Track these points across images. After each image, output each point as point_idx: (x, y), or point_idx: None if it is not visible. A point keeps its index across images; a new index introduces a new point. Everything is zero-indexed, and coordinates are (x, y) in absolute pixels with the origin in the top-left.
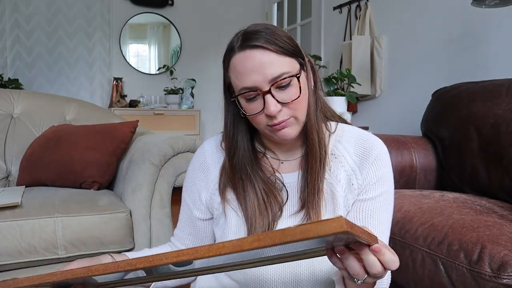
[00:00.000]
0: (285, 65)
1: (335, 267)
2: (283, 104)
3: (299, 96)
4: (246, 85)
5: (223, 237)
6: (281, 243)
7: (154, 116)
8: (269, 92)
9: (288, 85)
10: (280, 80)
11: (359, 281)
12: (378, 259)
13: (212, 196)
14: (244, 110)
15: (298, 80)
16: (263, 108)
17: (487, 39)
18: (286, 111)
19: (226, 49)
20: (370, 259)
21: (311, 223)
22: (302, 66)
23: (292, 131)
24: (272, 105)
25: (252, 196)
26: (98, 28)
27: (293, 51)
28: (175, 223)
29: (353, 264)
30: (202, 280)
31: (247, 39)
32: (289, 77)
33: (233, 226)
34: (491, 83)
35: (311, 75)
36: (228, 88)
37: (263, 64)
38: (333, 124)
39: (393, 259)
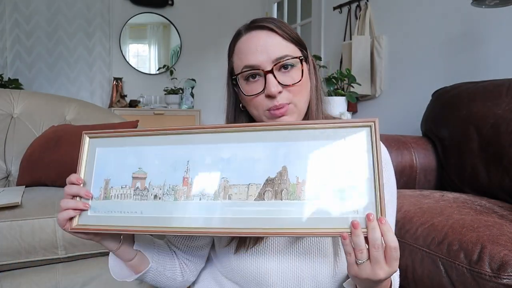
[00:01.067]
0: (290, 49)
1: (336, 271)
2: (284, 86)
3: (300, 80)
4: (249, 63)
5: (220, 242)
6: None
7: (154, 116)
8: (271, 72)
9: (291, 67)
10: (284, 61)
11: (359, 261)
12: (380, 229)
13: None
14: (244, 93)
15: (301, 63)
16: (263, 89)
17: (487, 39)
18: (286, 95)
19: (233, 36)
20: (372, 224)
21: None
22: (306, 58)
23: (290, 119)
24: (273, 85)
25: None
26: (98, 28)
27: (298, 41)
28: None
29: (360, 241)
30: (201, 283)
31: (255, 22)
32: (292, 58)
33: None
34: (491, 83)
35: (314, 75)
36: (231, 74)
37: (269, 45)
38: None
39: (390, 231)
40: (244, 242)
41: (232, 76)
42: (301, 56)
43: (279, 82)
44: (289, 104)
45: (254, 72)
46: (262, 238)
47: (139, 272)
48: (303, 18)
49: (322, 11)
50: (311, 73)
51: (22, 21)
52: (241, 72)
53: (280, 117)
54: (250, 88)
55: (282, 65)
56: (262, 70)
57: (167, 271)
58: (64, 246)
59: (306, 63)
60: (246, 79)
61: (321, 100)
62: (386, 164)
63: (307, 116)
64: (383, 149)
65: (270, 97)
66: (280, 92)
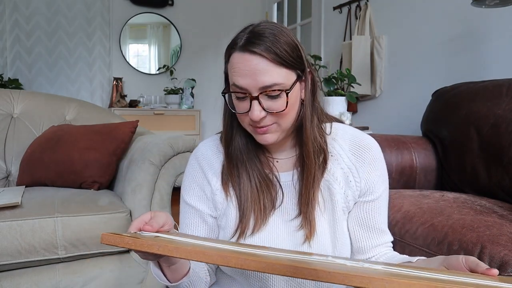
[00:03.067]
0: (280, 76)
1: None
2: (268, 112)
3: (284, 110)
4: (238, 83)
5: (224, 237)
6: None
7: (154, 116)
8: (256, 98)
9: (277, 96)
10: (270, 90)
11: None
12: None
13: (214, 196)
14: (232, 105)
15: (287, 96)
16: (249, 110)
17: (487, 39)
18: (270, 118)
19: (230, 41)
20: None
21: None
22: (300, 77)
23: (272, 137)
24: (256, 111)
25: (247, 182)
26: (98, 28)
27: (292, 62)
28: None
29: None
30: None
31: (250, 42)
32: (279, 90)
33: (232, 223)
34: (491, 83)
35: (310, 87)
36: (226, 78)
37: (257, 71)
38: (327, 125)
39: None
40: (243, 232)
41: (224, 87)
42: (288, 90)
43: (263, 108)
44: (272, 124)
45: (241, 95)
46: (260, 226)
47: (178, 276)
48: (303, 18)
49: (322, 11)
50: (307, 89)
51: (22, 21)
52: (231, 91)
53: (262, 134)
54: (237, 105)
55: (268, 94)
56: (249, 95)
57: (200, 272)
58: (64, 246)
59: (302, 81)
60: (236, 96)
61: (317, 112)
62: (376, 155)
63: (301, 133)
64: (375, 144)
65: (253, 120)
66: (263, 117)
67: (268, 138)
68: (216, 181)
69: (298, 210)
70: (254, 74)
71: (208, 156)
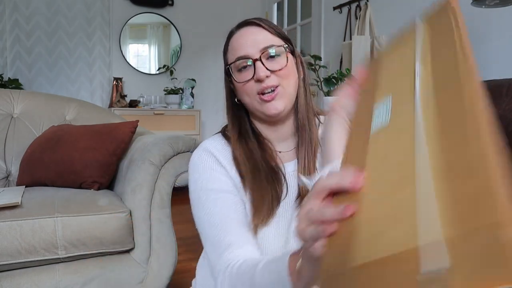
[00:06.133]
0: (276, 41)
1: None
2: (271, 71)
3: (286, 65)
4: (240, 54)
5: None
6: None
7: (154, 116)
8: (259, 59)
9: (277, 56)
10: (270, 48)
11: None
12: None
13: (233, 181)
14: (236, 80)
15: (286, 50)
16: (253, 75)
17: (487, 39)
18: (274, 78)
19: (226, 37)
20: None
21: None
22: (293, 53)
23: (280, 103)
24: (261, 70)
25: (257, 175)
26: (98, 28)
27: (285, 37)
28: (175, 223)
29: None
30: (200, 280)
31: (245, 20)
32: (278, 46)
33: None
34: (491, 83)
35: (300, 68)
36: (228, 71)
37: (257, 38)
38: (322, 117)
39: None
40: (256, 225)
41: (226, 68)
42: (285, 45)
43: (266, 68)
44: (278, 86)
45: (245, 61)
46: (269, 218)
47: None
48: (303, 18)
49: (322, 11)
50: (298, 65)
51: (22, 21)
52: (234, 62)
53: (269, 101)
54: (242, 76)
55: (269, 53)
56: (251, 59)
57: None
58: (64, 246)
59: (293, 56)
60: (239, 70)
61: (309, 91)
62: None
63: (296, 105)
64: None
65: (259, 81)
66: (268, 77)
67: (276, 104)
68: (231, 169)
69: (298, 191)
70: (254, 41)
71: (218, 148)
